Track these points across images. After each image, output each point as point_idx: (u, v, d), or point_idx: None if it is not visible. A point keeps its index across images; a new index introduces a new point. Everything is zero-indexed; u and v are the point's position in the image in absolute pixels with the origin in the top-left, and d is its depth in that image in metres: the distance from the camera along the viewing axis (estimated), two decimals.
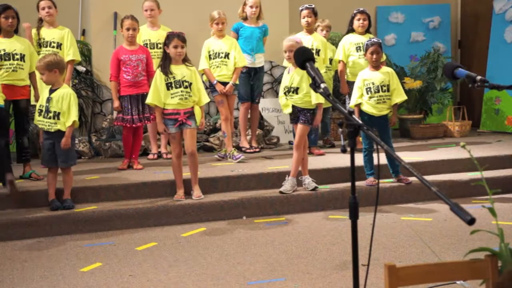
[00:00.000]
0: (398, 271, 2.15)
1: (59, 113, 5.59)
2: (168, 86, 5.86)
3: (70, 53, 6.66)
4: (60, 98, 5.61)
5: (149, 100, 5.95)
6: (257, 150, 7.62)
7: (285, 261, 4.68)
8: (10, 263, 4.79)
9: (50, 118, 5.60)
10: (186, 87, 5.88)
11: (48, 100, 5.60)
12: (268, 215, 5.98)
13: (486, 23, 9.56)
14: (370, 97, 6.29)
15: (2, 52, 6.17)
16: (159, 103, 5.85)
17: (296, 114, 6.11)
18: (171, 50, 5.83)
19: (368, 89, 6.29)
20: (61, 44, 6.71)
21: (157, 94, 5.86)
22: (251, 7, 7.50)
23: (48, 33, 6.70)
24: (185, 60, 5.93)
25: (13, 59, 6.18)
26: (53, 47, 6.67)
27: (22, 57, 6.21)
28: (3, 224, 5.40)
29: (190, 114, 5.90)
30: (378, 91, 6.29)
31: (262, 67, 7.74)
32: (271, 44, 8.04)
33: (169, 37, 5.88)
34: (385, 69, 6.44)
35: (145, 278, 4.39)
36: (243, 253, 4.91)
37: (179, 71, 5.89)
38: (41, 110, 5.62)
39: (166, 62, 5.89)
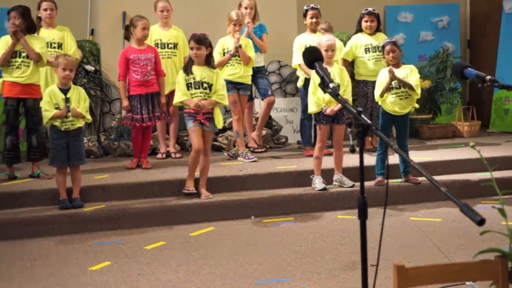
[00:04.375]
0: (407, 272, 2.14)
1: None
2: (188, 86, 5.94)
3: (72, 52, 6.68)
4: (78, 96, 5.69)
5: (174, 101, 6.16)
6: (263, 149, 7.61)
7: (294, 261, 4.68)
8: (20, 261, 4.81)
9: (69, 117, 5.63)
10: (205, 88, 5.93)
11: (67, 100, 5.62)
12: (277, 215, 5.98)
13: (495, 22, 9.52)
14: (393, 94, 6.27)
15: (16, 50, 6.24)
16: (183, 97, 5.94)
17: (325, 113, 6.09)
18: (190, 52, 6.01)
19: (391, 85, 6.27)
20: (61, 44, 6.74)
21: (179, 92, 5.97)
22: (245, 8, 7.49)
23: (48, 34, 6.72)
24: (208, 62, 5.98)
25: (19, 56, 6.21)
26: (54, 47, 6.70)
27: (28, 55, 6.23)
28: (13, 222, 5.43)
29: (209, 116, 5.93)
30: (400, 87, 6.27)
31: (262, 67, 7.73)
32: (279, 44, 8.05)
33: (189, 39, 6.03)
34: (405, 66, 6.41)
35: (153, 277, 4.40)
36: (251, 252, 4.91)
37: (199, 72, 5.95)
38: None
39: (189, 62, 6.05)
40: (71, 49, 6.74)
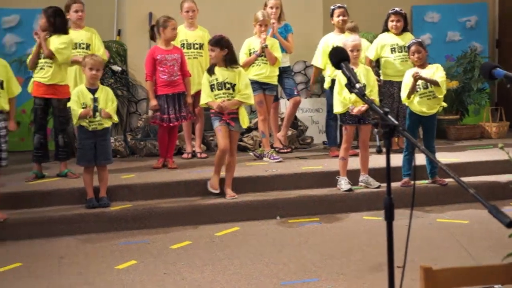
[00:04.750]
0: (434, 274, 2.13)
1: None
2: (212, 87, 5.98)
3: (100, 53, 6.74)
4: (106, 97, 5.76)
5: (200, 103, 6.20)
6: (289, 150, 7.61)
7: (319, 262, 4.66)
8: (48, 259, 4.87)
9: (97, 117, 5.68)
10: (228, 89, 5.96)
11: (95, 100, 5.68)
12: (302, 215, 5.96)
13: None
14: (420, 94, 6.23)
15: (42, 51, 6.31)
16: (207, 98, 5.98)
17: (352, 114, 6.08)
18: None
19: (417, 86, 6.23)
20: (89, 45, 6.80)
21: (204, 93, 6.02)
22: (271, 8, 7.49)
23: (77, 35, 6.78)
24: (230, 62, 5.99)
25: (42, 58, 6.29)
26: (82, 48, 6.76)
27: (49, 56, 6.29)
28: (41, 221, 5.50)
29: (234, 116, 5.95)
30: (427, 87, 6.23)
31: (288, 67, 7.72)
32: (305, 44, 8.03)
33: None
34: (431, 65, 6.36)
35: (179, 276, 4.42)
36: (276, 253, 4.91)
37: (221, 73, 5.98)
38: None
39: (212, 64, 6.08)
40: (99, 50, 6.81)
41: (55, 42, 6.24)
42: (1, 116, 5.30)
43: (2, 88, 5.28)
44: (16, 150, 7.30)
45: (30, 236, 5.36)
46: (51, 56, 6.21)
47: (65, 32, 6.39)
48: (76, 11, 6.80)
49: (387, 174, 2.45)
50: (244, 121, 6.03)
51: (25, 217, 5.51)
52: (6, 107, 5.32)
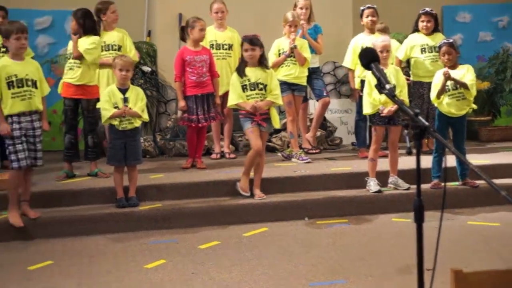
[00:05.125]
0: (465, 277, 2.11)
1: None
2: (244, 88, 5.98)
3: (131, 55, 6.80)
4: (136, 96, 5.81)
5: (228, 104, 6.15)
6: (318, 151, 7.60)
7: (347, 263, 4.64)
8: (78, 258, 4.92)
9: (126, 116, 5.74)
10: (261, 89, 5.96)
11: (126, 100, 5.74)
12: (331, 216, 5.94)
13: None
14: (449, 95, 6.18)
15: (69, 52, 6.41)
16: (238, 99, 5.96)
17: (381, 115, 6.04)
18: (244, 54, 6.00)
19: (446, 87, 6.16)
20: (121, 46, 6.86)
21: (234, 94, 5.99)
22: (301, 8, 7.48)
23: (109, 37, 6.85)
24: (261, 63, 6.00)
25: (71, 58, 6.37)
26: (114, 49, 6.82)
27: (78, 56, 6.34)
28: (72, 220, 5.56)
29: (266, 116, 5.96)
30: (456, 88, 6.17)
31: (317, 67, 7.70)
32: (334, 45, 8.00)
33: (242, 41, 6.06)
34: (462, 66, 6.30)
35: (207, 276, 4.44)
36: (305, 254, 4.90)
37: (254, 73, 5.98)
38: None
39: (241, 65, 6.06)
40: (131, 51, 6.87)
41: (84, 43, 6.31)
42: (36, 116, 5.37)
43: (36, 87, 5.36)
44: (47, 150, 7.40)
45: (60, 234, 5.43)
46: (79, 57, 6.29)
47: (95, 33, 6.46)
48: (113, 12, 6.86)
49: (417, 175, 2.43)
50: (276, 121, 6.04)
51: (56, 216, 5.58)
52: (41, 106, 5.40)
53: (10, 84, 5.22)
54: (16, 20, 5.41)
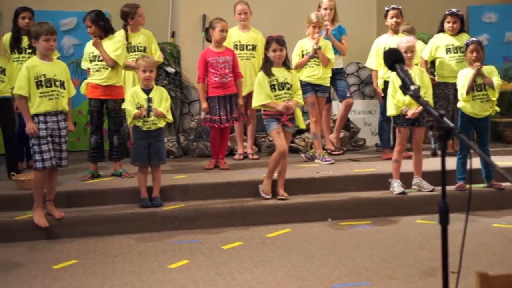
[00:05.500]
0: (491, 280, 2.08)
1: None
2: (272, 88, 5.95)
3: (156, 56, 6.83)
4: (160, 97, 5.83)
5: (254, 104, 6.09)
6: (341, 152, 7.58)
7: (371, 265, 4.62)
8: (102, 257, 4.96)
9: (151, 117, 5.77)
10: (288, 89, 5.95)
11: (150, 100, 5.77)
12: (354, 218, 5.91)
13: None
14: (473, 96, 6.12)
15: (91, 55, 6.44)
16: (267, 99, 5.92)
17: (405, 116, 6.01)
18: (271, 54, 5.97)
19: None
20: (146, 47, 6.90)
21: (262, 94, 5.94)
22: (325, 9, 7.46)
23: (135, 38, 6.90)
24: (284, 63, 6.00)
25: (98, 60, 6.41)
26: (140, 51, 6.86)
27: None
28: (96, 220, 5.60)
29: (292, 117, 5.96)
30: (481, 89, 6.11)
31: (341, 68, 7.67)
32: (357, 46, 7.97)
33: (269, 41, 6.04)
34: (486, 67, 6.24)
35: (230, 276, 4.44)
36: (327, 255, 4.88)
37: (280, 73, 5.98)
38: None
39: (267, 65, 6.03)
40: (156, 52, 6.91)
41: (109, 49, 6.37)
42: (62, 117, 5.42)
43: (64, 88, 5.42)
44: (72, 150, 7.46)
45: (85, 234, 5.48)
46: (114, 64, 6.36)
47: (112, 31, 6.52)
48: (141, 15, 6.91)
49: (442, 177, 2.41)
50: (300, 121, 6.04)
51: (81, 216, 5.63)
52: (67, 107, 5.46)
53: (38, 84, 5.29)
54: (45, 22, 5.46)
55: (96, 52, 6.41)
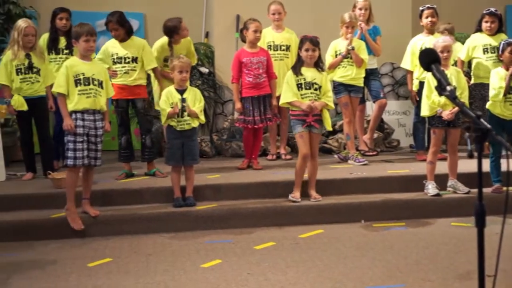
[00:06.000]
0: None
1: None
2: (298, 87, 5.93)
3: (194, 59, 6.87)
4: (194, 97, 5.87)
5: (281, 101, 6.08)
6: (375, 153, 7.53)
7: (405, 267, 4.58)
8: (136, 256, 5.01)
9: (184, 116, 5.80)
10: (316, 89, 5.92)
11: (183, 100, 5.81)
12: (387, 219, 5.87)
13: None
14: (507, 99, 6.04)
15: (115, 57, 6.46)
16: (293, 97, 5.90)
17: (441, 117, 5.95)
18: (303, 53, 5.94)
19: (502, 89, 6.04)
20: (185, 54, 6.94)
21: (289, 92, 5.93)
22: (360, 9, 7.41)
23: (179, 47, 6.88)
24: (316, 64, 5.98)
25: (125, 62, 6.45)
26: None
27: (134, 60, 6.45)
28: (130, 218, 5.66)
29: (319, 118, 5.92)
30: (511, 93, 6.04)
31: (375, 69, 7.62)
32: (392, 46, 7.92)
33: (302, 40, 6.00)
34: None
35: (262, 277, 4.44)
36: (361, 257, 4.85)
37: (310, 73, 5.95)
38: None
39: (298, 64, 6.01)
40: (194, 56, 6.99)
41: (145, 56, 6.47)
42: (99, 116, 5.49)
43: (102, 88, 5.48)
44: (107, 149, 7.55)
45: (119, 232, 5.53)
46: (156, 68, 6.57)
47: (133, 32, 6.59)
48: (185, 29, 6.91)
49: (478, 179, 2.38)
50: (328, 123, 5.99)
51: (115, 214, 5.69)
52: (105, 107, 5.52)
53: (77, 82, 5.37)
54: (86, 23, 5.53)
55: (121, 54, 6.42)
